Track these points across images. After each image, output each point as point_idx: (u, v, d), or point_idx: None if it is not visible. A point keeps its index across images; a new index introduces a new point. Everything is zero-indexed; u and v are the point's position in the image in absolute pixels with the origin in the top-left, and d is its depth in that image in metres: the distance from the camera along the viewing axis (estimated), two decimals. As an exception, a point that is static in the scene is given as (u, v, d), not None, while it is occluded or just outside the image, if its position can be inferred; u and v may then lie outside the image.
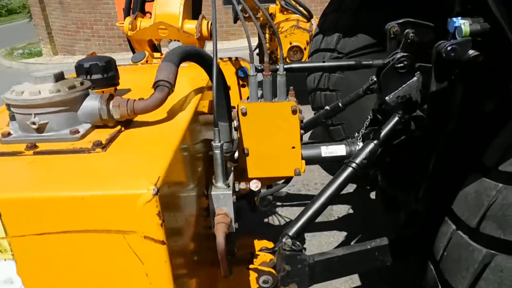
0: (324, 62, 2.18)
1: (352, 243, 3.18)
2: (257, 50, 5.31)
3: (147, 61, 2.30)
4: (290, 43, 4.84)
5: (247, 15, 5.22)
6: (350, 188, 3.92)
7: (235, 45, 10.28)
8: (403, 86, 2.19)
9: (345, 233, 3.30)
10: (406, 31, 2.39)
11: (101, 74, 1.41)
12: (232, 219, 1.41)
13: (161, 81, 1.21)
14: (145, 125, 1.23)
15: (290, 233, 1.86)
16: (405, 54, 2.15)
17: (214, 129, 1.33)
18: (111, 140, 1.10)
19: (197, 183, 1.32)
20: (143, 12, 2.52)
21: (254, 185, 1.51)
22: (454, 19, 2.02)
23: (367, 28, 2.99)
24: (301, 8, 4.81)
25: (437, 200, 1.83)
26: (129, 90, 1.58)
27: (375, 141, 1.99)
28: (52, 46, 12.10)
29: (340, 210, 3.61)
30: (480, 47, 1.61)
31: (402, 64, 2.14)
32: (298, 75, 3.57)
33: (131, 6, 2.51)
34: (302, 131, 1.92)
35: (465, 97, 1.81)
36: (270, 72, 1.81)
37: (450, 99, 1.92)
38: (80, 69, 1.38)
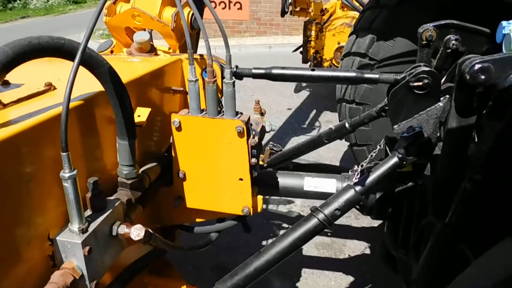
0: (313, 69, 1.64)
1: (354, 294, 2.60)
2: (300, 49, 4.77)
3: (112, 51, 1.98)
4: (338, 43, 4.25)
5: (298, 8, 4.72)
6: (377, 221, 3.27)
7: (241, 42, 9.78)
8: (421, 113, 1.58)
9: (351, 279, 2.71)
10: (448, 37, 1.76)
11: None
12: (84, 277, 1.01)
13: None
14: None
15: (219, 292, 1.40)
16: (427, 69, 1.54)
17: (62, 155, 0.94)
18: None
19: (21, 218, 0.94)
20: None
21: (135, 233, 1.09)
22: (505, 22, 1.37)
23: (408, 30, 2.33)
24: (357, 4, 4.17)
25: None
26: (18, 86, 1.25)
27: (358, 188, 1.43)
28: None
29: (354, 247, 3.00)
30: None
31: (420, 83, 1.53)
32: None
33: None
34: (254, 160, 1.44)
35: (498, 145, 1.18)
36: (214, 79, 1.36)
37: (475, 144, 1.29)
38: None
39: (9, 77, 1.21)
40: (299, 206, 3.47)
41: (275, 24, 10.48)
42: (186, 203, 1.54)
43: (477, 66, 1.17)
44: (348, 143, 3.19)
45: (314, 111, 5.58)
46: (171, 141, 1.48)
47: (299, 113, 5.60)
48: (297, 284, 2.68)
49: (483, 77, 1.17)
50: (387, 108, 1.93)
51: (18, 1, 19.91)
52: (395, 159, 1.44)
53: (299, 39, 5.80)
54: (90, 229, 1.03)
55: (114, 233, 1.11)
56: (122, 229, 1.11)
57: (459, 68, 1.26)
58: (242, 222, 2.41)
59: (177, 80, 1.76)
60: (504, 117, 1.14)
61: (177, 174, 1.49)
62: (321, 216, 1.41)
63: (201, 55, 1.76)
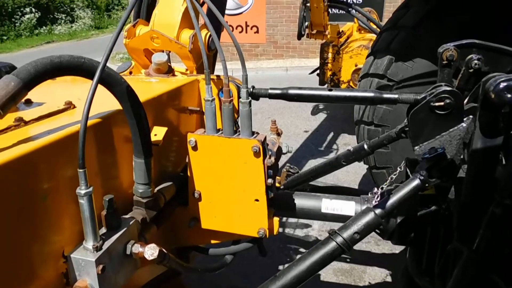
0: (330, 89, 1.63)
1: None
2: (317, 71, 4.78)
3: (130, 73, 2.02)
4: (356, 65, 4.24)
5: (314, 31, 4.75)
6: (398, 247, 3.16)
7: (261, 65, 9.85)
8: (443, 134, 1.54)
9: (371, 309, 2.59)
10: (470, 57, 1.73)
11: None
12: (97, 298, 0.99)
13: None
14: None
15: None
16: (448, 89, 1.50)
17: (79, 171, 0.94)
18: None
19: (37, 235, 0.93)
20: (149, 20, 2.25)
21: (149, 252, 1.07)
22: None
23: (427, 50, 2.31)
24: (374, 26, 4.18)
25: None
26: (40, 104, 1.28)
27: (378, 211, 1.38)
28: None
29: (374, 275, 2.88)
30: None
31: (442, 103, 1.49)
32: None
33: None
34: (271, 180, 1.41)
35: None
36: (230, 99, 1.36)
37: (502, 167, 1.23)
38: None
39: (33, 96, 1.24)
40: (317, 230, 3.38)
41: (292, 47, 10.60)
42: (201, 224, 1.51)
43: (502, 85, 1.13)
44: (367, 166, 3.13)
45: (331, 134, 5.54)
46: (186, 160, 1.47)
47: (316, 136, 5.56)
48: (313, 311, 2.58)
49: (509, 95, 1.13)
50: (407, 129, 1.89)
51: (44, 27, 20.86)
52: (417, 181, 1.39)
53: (315, 62, 5.83)
54: (104, 247, 1.01)
55: (128, 252, 1.09)
56: (136, 248, 1.09)
57: (483, 87, 1.22)
58: (258, 246, 2.35)
59: (193, 100, 1.77)
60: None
61: (193, 194, 1.47)
62: (339, 239, 1.36)
63: (217, 76, 1.78)
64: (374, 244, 3.20)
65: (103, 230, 1.08)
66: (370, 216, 1.37)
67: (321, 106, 6.78)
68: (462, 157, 1.66)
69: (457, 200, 1.48)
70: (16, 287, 0.90)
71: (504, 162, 1.27)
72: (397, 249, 3.13)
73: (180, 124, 1.65)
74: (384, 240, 3.24)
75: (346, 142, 5.26)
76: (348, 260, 3.03)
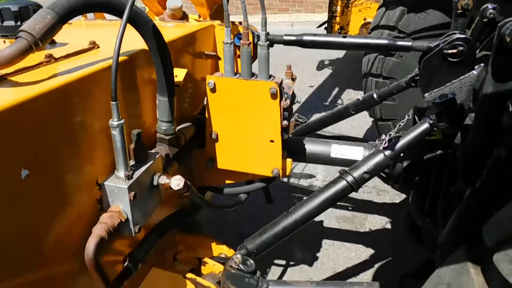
0: (344, 36, 1.64)
1: (376, 266, 2.63)
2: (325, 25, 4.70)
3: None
4: (364, 19, 4.17)
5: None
6: (398, 197, 3.29)
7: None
8: (453, 81, 1.58)
9: (371, 252, 2.75)
10: (485, 6, 1.72)
11: (14, 21, 1.17)
12: (129, 220, 1.08)
13: (22, 31, 0.90)
14: (10, 84, 0.94)
15: (249, 247, 1.46)
16: (462, 36, 1.52)
17: (111, 104, 0.99)
18: None
19: (70, 166, 1.00)
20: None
21: (175, 183, 1.15)
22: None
23: (441, 1, 2.29)
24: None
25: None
26: (64, 44, 1.31)
27: (387, 152, 1.45)
28: None
29: (375, 222, 3.03)
30: None
31: (455, 51, 1.52)
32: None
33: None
34: (286, 122, 1.47)
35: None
36: (249, 42, 1.38)
37: (509, 113, 1.28)
38: None
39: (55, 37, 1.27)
40: (320, 181, 3.50)
41: (298, 1, 10.29)
42: (218, 164, 1.59)
43: (518, 29, 1.15)
44: (373, 119, 3.19)
45: (336, 89, 5.54)
46: (204, 103, 1.52)
47: (321, 91, 5.56)
48: (318, 255, 2.74)
49: (523, 40, 1.15)
50: (417, 78, 1.92)
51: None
52: (426, 125, 1.44)
53: (322, 17, 5.72)
54: (135, 176, 1.09)
55: (155, 183, 1.17)
56: (163, 179, 1.17)
57: (499, 31, 1.24)
58: (265, 193, 2.47)
59: (209, 46, 1.79)
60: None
61: (210, 135, 1.54)
62: (349, 178, 1.44)
63: (233, 22, 1.78)
64: (375, 194, 3.33)
65: (132, 162, 1.15)
66: (379, 157, 1.44)
67: (326, 62, 6.71)
68: (470, 105, 1.71)
69: (463, 144, 1.55)
70: (57, 211, 0.98)
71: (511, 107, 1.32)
72: (398, 199, 3.26)
73: (196, 68, 1.69)
74: (385, 191, 3.37)
75: (351, 98, 5.27)
76: (350, 208, 3.17)
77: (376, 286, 1.45)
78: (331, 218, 3.07)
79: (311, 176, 3.56)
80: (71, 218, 1.02)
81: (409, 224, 1.94)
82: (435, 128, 1.44)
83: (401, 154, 1.67)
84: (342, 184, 1.45)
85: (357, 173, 1.44)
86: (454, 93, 1.48)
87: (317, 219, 3.04)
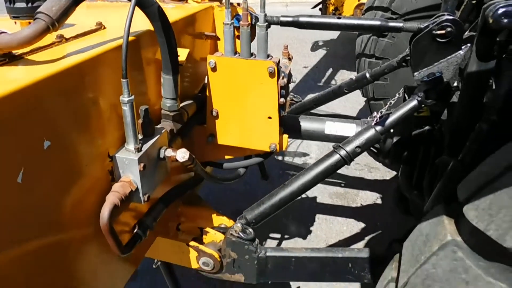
0: (339, 17, 1.71)
1: (366, 239, 2.78)
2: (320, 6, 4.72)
3: None
4: (358, 0, 4.19)
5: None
6: (389, 174, 3.41)
7: None
8: (441, 61, 1.66)
9: (362, 225, 2.89)
10: (475, -13, 1.80)
11: (25, 2, 1.21)
12: (139, 189, 1.17)
13: (39, 13, 0.96)
14: (28, 63, 1.01)
15: (248, 217, 1.57)
16: (450, 18, 1.59)
17: (122, 81, 1.06)
18: None
19: (85, 139, 1.08)
20: None
21: (181, 155, 1.24)
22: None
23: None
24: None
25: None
26: (72, 25, 1.36)
27: (378, 127, 1.54)
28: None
29: (366, 198, 3.16)
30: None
31: (443, 31, 1.60)
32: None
33: None
34: (283, 100, 1.56)
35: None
36: (248, 23, 1.45)
37: (491, 90, 1.38)
38: None
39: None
40: (314, 159, 3.61)
41: (293, -18, 10.19)
42: (218, 140, 1.67)
43: (500, 10, 1.23)
44: (365, 99, 3.28)
45: (330, 70, 5.60)
46: (205, 81, 1.59)
47: (315, 71, 5.62)
48: (312, 229, 2.87)
49: (505, 20, 1.23)
50: (408, 58, 2.01)
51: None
52: (414, 102, 1.54)
53: (317, -3, 5.73)
54: (143, 149, 1.17)
55: (161, 156, 1.25)
56: (169, 152, 1.25)
57: (483, 13, 1.32)
58: (261, 170, 2.56)
59: (208, 27, 1.85)
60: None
61: (211, 113, 1.61)
62: (342, 152, 1.53)
63: (231, 3, 1.83)
64: (367, 171, 3.45)
65: (140, 136, 1.23)
66: (370, 132, 1.53)
67: (320, 43, 6.75)
68: (456, 84, 1.80)
69: (449, 120, 1.65)
70: (72, 181, 1.06)
71: (493, 86, 1.42)
72: (388, 176, 3.39)
73: (197, 48, 1.75)
74: (376, 168, 3.50)
75: (345, 78, 5.34)
76: (342, 185, 3.29)
77: (365, 251, 1.57)
78: (325, 195, 3.19)
79: (305, 154, 3.67)
80: (85, 187, 1.10)
81: (399, 197, 2.06)
82: (423, 105, 1.53)
83: (391, 130, 1.77)
84: (335, 157, 1.55)
85: (349, 147, 1.54)
86: (441, 72, 1.56)
87: (311, 195, 3.18)
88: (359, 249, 1.57)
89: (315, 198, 3.14)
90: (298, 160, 3.60)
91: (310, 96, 2.60)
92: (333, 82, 5.25)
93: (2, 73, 0.93)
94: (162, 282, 2.06)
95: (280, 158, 3.60)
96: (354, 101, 4.48)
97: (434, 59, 1.66)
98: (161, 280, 2.05)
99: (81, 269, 1.13)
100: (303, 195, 3.19)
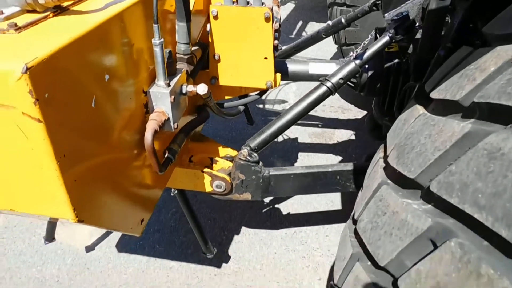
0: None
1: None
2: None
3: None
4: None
5: None
6: (360, 114, 3.79)
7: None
8: (407, 2, 1.95)
9: (340, 158, 3.27)
10: None
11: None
12: (170, 118, 1.41)
13: None
14: (76, 13, 1.19)
15: (252, 145, 1.85)
16: (414, -37, 1.86)
17: (153, 26, 1.27)
18: (31, 24, 1.09)
19: (128, 77, 1.30)
20: None
21: (201, 89, 1.48)
22: None
23: None
24: None
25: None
26: None
27: (357, 61, 1.84)
28: None
29: (341, 135, 3.53)
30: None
31: (408, -24, 1.87)
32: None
33: None
34: (277, 42, 1.81)
35: (466, 19, 1.58)
36: (243, -27, 1.66)
37: (448, 23, 1.68)
38: None
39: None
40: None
41: None
42: (220, 81, 1.91)
43: (454, -45, 1.51)
44: (337, 45, 3.55)
45: (300, 22, 5.80)
46: (207, 29, 1.80)
47: (285, 24, 5.80)
48: (295, 164, 3.22)
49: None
50: (378, 2, 2.28)
51: None
52: (386, 38, 1.83)
53: None
54: (171, 84, 1.40)
55: (184, 91, 1.49)
56: (190, 87, 1.49)
57: (441, -42, 1.60)
58: (246, 116, 2.83)
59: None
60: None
61: (213, 57, 1.84)
62: (328, 84, 1.83)
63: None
64: (341, 112, 3.80)
65: (165, 75, 1.46)
66: (351, 66, 1.83)
67: (288, -4, 6.86)
68: (418, 24, 2.10)
69: (414, 53, 1.96)
70: (121, 110, 1.29)
71: (449, 19, 1.72)
72: (360, 116, 3.76)
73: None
74: (349, 109, 3.85)
75: (314, 30, 5.57)
76: (320, 125, 3.63)
77: (350, 165, 1.91)
78: (304, 135, 3.53)
79: (283, 102, 3.95)
80: (129, 116, 1.34)
81: (372, 125, 2.41)
82: (393, 40, 1.84)
83: (366, 66, 2.08)
84: (322, 89, 1.84)
85: (334, 79, 1.83)
86: (408, 11, 1.86)
87: (292, 136, 3.50)
88: (345, 164, 1.91)
89: (296, 138, 3.47)
90: (277, 107, 3.89)
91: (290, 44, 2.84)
92: (304, 34, 5.46)
93: (65, 21, 1.12)
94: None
95: (261, 106, 3.87)
96: (325, 50, 4.76)
97: (401, 1, 1.95)
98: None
99: (127, 180, 1.39)
100: (285, 136, 3.53)
